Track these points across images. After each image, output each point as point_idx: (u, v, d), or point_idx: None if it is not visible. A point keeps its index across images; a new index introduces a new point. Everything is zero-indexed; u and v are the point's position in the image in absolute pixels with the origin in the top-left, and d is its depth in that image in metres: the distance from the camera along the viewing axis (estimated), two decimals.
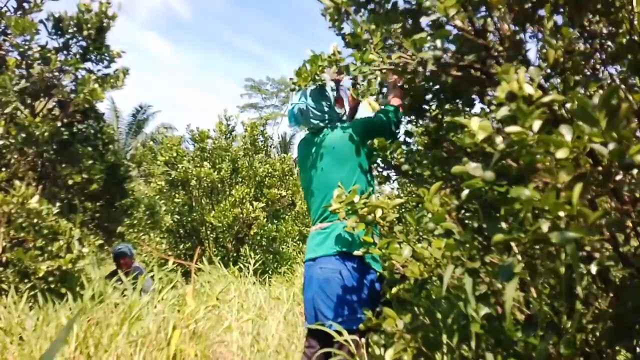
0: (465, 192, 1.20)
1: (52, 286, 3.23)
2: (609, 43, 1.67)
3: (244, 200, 7.86)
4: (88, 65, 4.27)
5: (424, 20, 1.48)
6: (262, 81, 35.45)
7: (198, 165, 8.30)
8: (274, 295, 4.45)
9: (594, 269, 1.21)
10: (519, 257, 1.22)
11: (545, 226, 1.08)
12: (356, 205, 1.77)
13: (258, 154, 9.05)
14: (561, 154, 1.11)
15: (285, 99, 35.56)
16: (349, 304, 2.14)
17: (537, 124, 1.10)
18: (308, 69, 2.11)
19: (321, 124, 2.35)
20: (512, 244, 1.30)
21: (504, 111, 1.15)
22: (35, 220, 3.28)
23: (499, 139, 1.26)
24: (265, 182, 8.52)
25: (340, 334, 1.93)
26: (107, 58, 4.33)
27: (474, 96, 2.21)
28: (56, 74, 3.97)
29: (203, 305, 3.14)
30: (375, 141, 1.95)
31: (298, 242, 9.09)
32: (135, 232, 8.16)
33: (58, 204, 3.85)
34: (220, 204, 8.04)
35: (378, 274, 2.15)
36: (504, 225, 1.28)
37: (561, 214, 0.99)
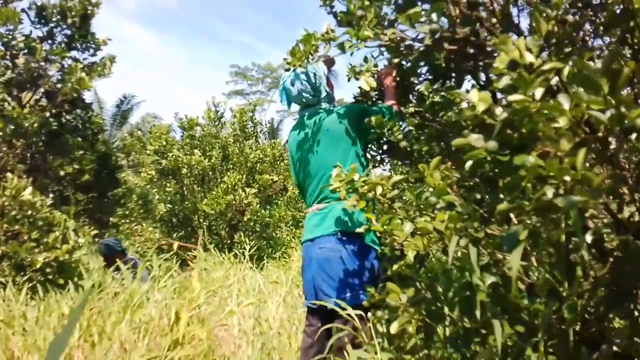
0: (469, 163, 1.21)
1: (50, 277, 3.22)
2: (599, 14, 1.68)
3: (236, 187, 7.85)
4: (74, 54, 4.20)
5: None
6: (248, 67, 35.09)
7: (188, 153, 8.24)
8: (272, 279, 4.47)
9: (589, 238, 1.24)
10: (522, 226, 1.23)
11: (550, 192, 1.10)
12: (356, 184, 1.78)
13: (248, 140, 9.01)
14: (562, 122, 1.12)
15: (271, 84, 35.27)
16: (349, 281, 2.16)
17: (539, 92, 1.11)
18: (302, 49, 2.09)
19: (312, 99, 2.35)
20: (512, 214, 1.32)
21: (505, 80, 1.16)
22: (29, 212, 3.25)
23: (498, 110, 1.27)
24: (257, 168, 8.50)
25: (344, 309, 1.95)
26: (93, 46, 4.24)
27: (464, 74, 2.22)
28: (42, 63, 3.89)
29: (204, 291, 3.16)
30: (373, 118, 1.96)
31: (291, 227, 9.11)
32: (128, 222, 8.11)
33: (51, 195, 3.80)
34: (212, 192, 8.02)
35: (377, 253, 2.17)
36: (502, 196, 1.30)
37: (566, 178, 1.01)
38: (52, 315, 2.37)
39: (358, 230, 1.86)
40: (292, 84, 2.36)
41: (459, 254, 1.60)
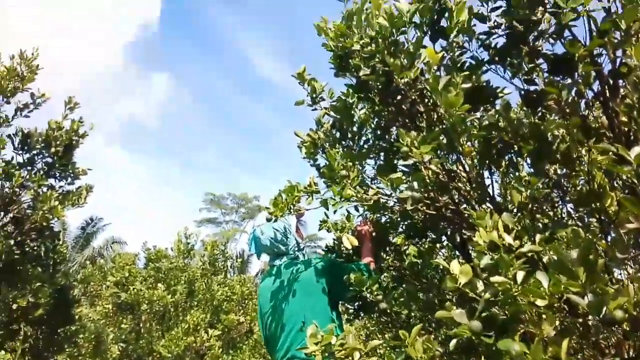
0: (453, 342, 1.15)
1: None
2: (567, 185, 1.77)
3: (199, 327, 7.36)
4: (51, 181, 4.18)
5: (401, 163, 1.55)
6: (223, 196, 35.57)
7: (151, 287, 7.86)
8: None
9: None
10: None
11: None
12: (333, 347, 1.67)
13: (217, 275, 8.71)
14: (541, 303, 1.11)
15: (245, 214, 35.51)
16: None
17: (520, 275, 1.11)
18: (284, 199, 2.13)
19: (282, 248, 2.37)
20: None
21: (486, 260, 1.16)
22: None
23: (479, 284, 1.25)
24: (223, 307, 8.08)
25: None
26: (72, 175, 4.26)
27: (441, 234, 2.27)
28: (16, 189, 3.84)
29: None
30: (352, 276, 1.92)
31: None
32: None
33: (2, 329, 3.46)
34: (172, 331, 7.48)
35: None
36: None
37: None
38: None
39: None
40: (262, 233, 2.40)
41: None
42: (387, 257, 2.52)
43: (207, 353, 7.36)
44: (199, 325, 7.30)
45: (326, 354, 1.69)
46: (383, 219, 2.48)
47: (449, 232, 2.24)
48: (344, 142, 2.39)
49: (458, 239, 2.17)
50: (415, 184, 1.57)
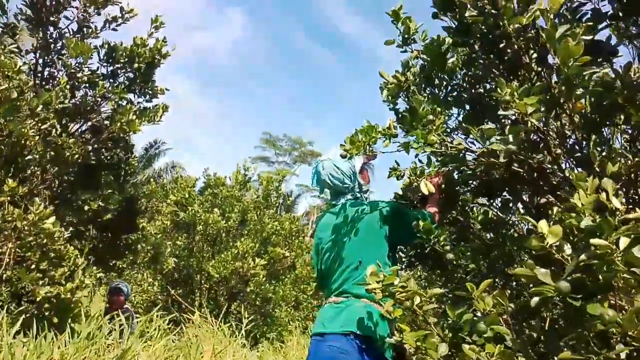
0: (535, 299, 1.12)
1: (46, 314, 3.06)
2: None
3: (246, 255, 7.69)
4: (130, 96, 4.34)
5: (502, 113, 1.47)
6: (278, 137, 36.06)
7: (208, 210, 8.22)
8: None
9: None
10: None
11: (623, 352, 1.00)
12: (394, 288, 1.68)
13: (269, 210, 8.97)
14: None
15: (297, 157, 35.98)
16: None
17: (623, 241, 1.04)
18: (360, 139, 2.09)
19: (341, 187, 2.32)
20: None
21: (587, 221, 1.10)
22: (44, 242, 3.18)
23: (567, 247, 1.20)
24: (271, 240, 8.37)
25: None
26: (150, 92, 4.40)
27: (519, 195, 2.18)
28: (99, 99, 4.02)
29: None
30: (421, 224, 1.89)
31: (292, 308, 8.78)
32: (131, 269, 7.95)
33: (71, 229, 3.75)
34: (222, 254, 7.86)
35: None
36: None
37: None
38: (40, 356, 2.22)
39: (389, 340, 1.73)
40: (323, 168, 2.34)
41: None
42: (453, 212, 2.47)
43: (251, 279, 7.73)
44: (247, 252, 7.62)
45: (386, 293, 1.71)
46: (455, 174, 2.41)
47: (525, 195, 2.15)
48: (429, 89, 2.30)
49: (536, 203, 2.07)
50: (510, 137, 1.49)
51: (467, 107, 2.20)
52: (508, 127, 1.47)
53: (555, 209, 1.56)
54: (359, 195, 2.37)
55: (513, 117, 1.55)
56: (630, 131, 1.69)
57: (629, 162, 1.54)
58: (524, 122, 1.54)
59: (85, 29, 4.20)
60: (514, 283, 1.77)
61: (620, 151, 1.47)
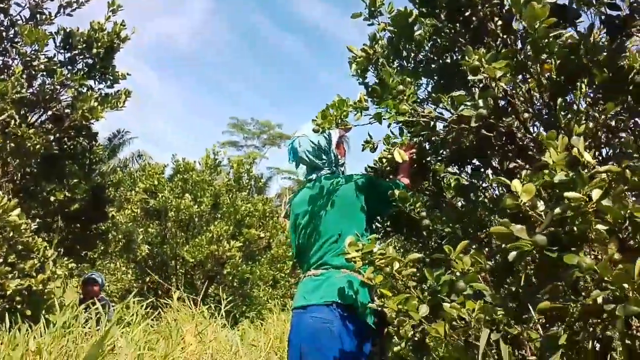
0: (513, 254, 1.16)
1: (18, 307, 2.98)
2: None
3: (221, 238, 7.66)
4: (91, 82, 4.19)
5: (471, 78, 1.49)
6: (246, 121, 35.74)
7: (178, 196, 8.11)
8: (248, 340, 4.24)
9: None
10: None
11: (600, 297, 1.06)
12: (374, 256, 1.72)
13: (241, 192, 8.93)
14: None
15: (266, 141, 35.79)
16: (337, 357, 2.03)
17: (595, 192, 1.09)
18: (332, 113, 2.10)
19: (318, 162, 2.33)
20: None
21: (561, 176, 1.14)
22: (11, 235, 3.08)
23: (540, 203, 1.25)
24: (245, 222, 8.35)
25: None
26: (111, 78, 4.26)
27: (490, 159, 2.24)
28: (57, 87, 3.87)
29: (177, 347, 2.97)
30: (397, 192, 1.93)
31: (269, 288, 8.84)
32: (103, 259, 7.81)
33: (38, 220, 3.64)
34: (196, 239, 7.81)
35: (371, 331, 2.07)
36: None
37: (625, 285, 0.97)
38: (16, 349, 2.17)
39: (371, 305, 1.77)
40: (300, 145, 2.34)
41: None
42: (425, 182, 2.52)
43: (227, 262, 7.72)
44: (222, 236, 7.59)
45: (365, 261, 1.74)
46: (426, 144, 2.45)
47: (495, 161, 2.21)
48: (398, 61, 2.32)
49: (505, 167, 2.14)
50: (480, 101, 1.52)
51: (436, 77, 2.23)
52: (478, 92, 1.50)
53: (523, 172, 1.62)
54: (335, 169, 2.39)
55: (481, 84, 1.58)
56: (592, 95, 1.76)
57: (595, 122, 1.61)
58: (493, 87, 1.58)
59: (38, 15, 4.01)
60: (486, 249, 1.83)
61: (586, 111, 1.53)
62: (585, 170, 1.13)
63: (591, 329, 1.13)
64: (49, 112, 4.04)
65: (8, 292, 3.00)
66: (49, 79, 3.84)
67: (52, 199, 4.16)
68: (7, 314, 2.70)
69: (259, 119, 35.95)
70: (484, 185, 1.93)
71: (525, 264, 1.31)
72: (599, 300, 1.03)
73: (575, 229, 1.10)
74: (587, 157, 1.12)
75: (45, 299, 3.21)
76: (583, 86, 1.73)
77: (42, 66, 3.71)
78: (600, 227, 1.13)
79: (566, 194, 1.07)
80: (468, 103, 1.54)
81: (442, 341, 2.00)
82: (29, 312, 3.08)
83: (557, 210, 1.10)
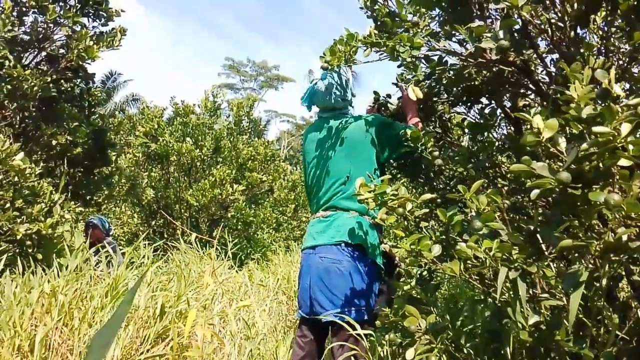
0: (535, 191, 1.12)
1: (29, 251, 3.01)
2: None
3: (224, 182, 7.67)
4: (84, 20, 4.01)
5: (493, 7, 1.40)
6: (242, 62, 34.86)
7: (179, 140, 8.03)
8: (255, 281, 4.33)
9: None
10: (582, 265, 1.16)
11: (625, 235, 1.03)
12: (386, 197, 1.69)
13: (242, 135, 8.84)
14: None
15: (264, 83, 35.10)
16: (347, 296, 2.07)
17: (625, 127, 1.04)
18: (341, 49, 2.01)
19: (340, 102, 2.28)
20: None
21: (588, 110, 1.09)
22: (15, 179, 3.05)
23: (561, 140, 1.20)
24: (247, 165, 8.32)
25: (341, 325, 1.87)
26: (105, 15, 4.07)
27: (502, 96, 2.17)
28: (50, 25, 3.70)
29: (190, 287, 3.02)
30: (408, 132, 1.87)
31: (273, 230, 8.96)
32: (109, 203, 7.85)
33: (42, 164, 3.60)
34: (199, 183, 7.82)
35: (379, 270, 2.09)
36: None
37: None
38: (31, 292, 2.20)
39: (384, 246, 1.77)
40: (325, 85, 2.27)
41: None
42: (431, 124, 2.46)
43: (231, 205, 7.77)
44: (225, 179, 7.59)
45: (378, 202, 1.72)
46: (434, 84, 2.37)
47: (506, 99, 2.13)
48: None
49: (517, 105, 2.06)
50: (501, 32, 1.43)
51: (449, 8, 2.11)
52: (499, 22, 1.41)
53: (533, 110, 1.56)
54: (350, 109, 2.35)
55: (500, 15, 1.48)
56: (605, 29, 1.66)
57: (619, 54, 1.52)
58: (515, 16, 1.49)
59: None
60: (500, 186, 1.80)
61: (614, 43, 1.44)
62: (617, 103, 1.07)
63: (611, 266, 1.11)
64: (44, 53, 3.90)
65: (18, 237, 3.02)
66: (41, 16, 3.67)
67: (53, 142, 4.09)
68: (19, 259, 2.73)
69: (255, 59, 35.03)
70: (494, 124, 1.87)
71: (541, 204, 1.28)
72: (624, 237, 1.01)
73: (600, 165, 1.06)
74: (618, 89, 1.06)
75: (56, 243, 3.23)
76: (598, 19, 1.63)
77: (32, 2, 3.53)
78: (624, 162, 1.08)
79: (594, 128, 1.02)
80: (488, 34, 1.45)
81: (450, 280, 2.03)
82: (40, 256, 3.12)
83: (584, 145, 1.05)
